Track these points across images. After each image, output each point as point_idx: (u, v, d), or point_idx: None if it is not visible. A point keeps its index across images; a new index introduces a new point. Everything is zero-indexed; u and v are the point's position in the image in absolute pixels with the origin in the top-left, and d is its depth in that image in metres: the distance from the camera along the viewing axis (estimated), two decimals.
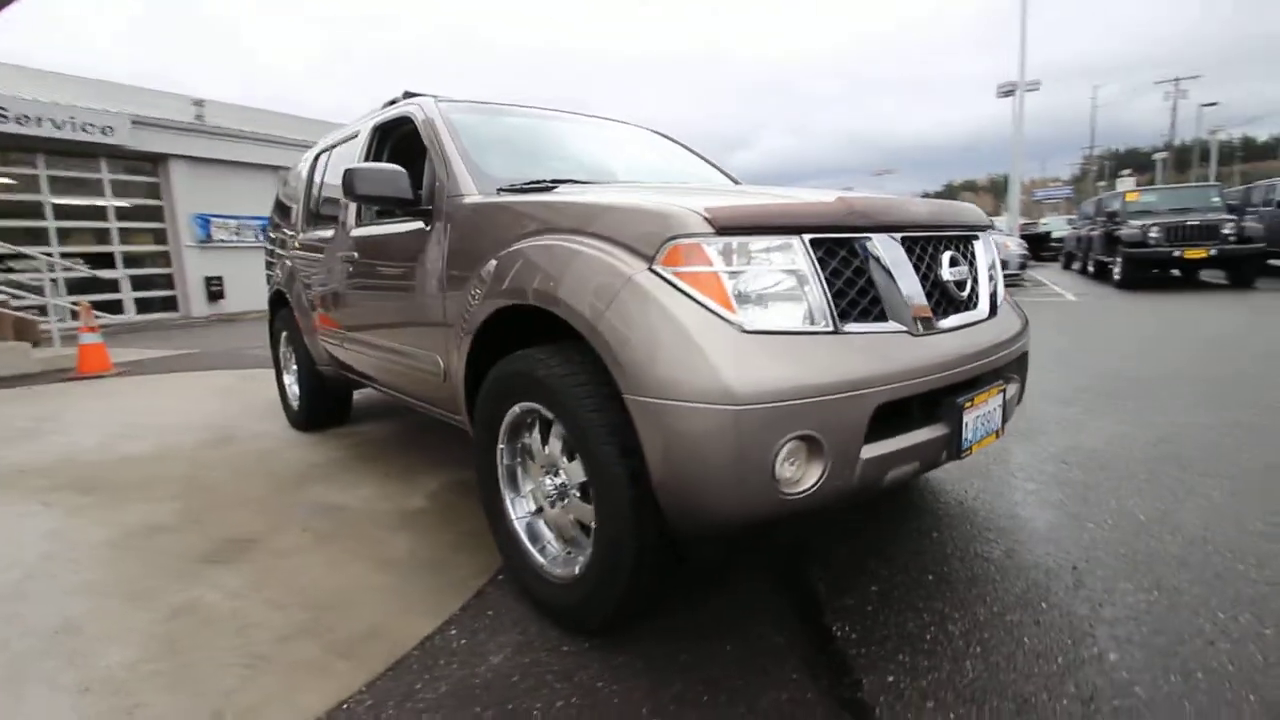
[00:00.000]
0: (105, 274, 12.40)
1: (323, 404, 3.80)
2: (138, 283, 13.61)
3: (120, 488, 3.05)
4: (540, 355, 1.66)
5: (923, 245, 1.69)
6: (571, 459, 1.69)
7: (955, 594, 1.87)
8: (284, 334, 4.03)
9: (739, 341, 1.35)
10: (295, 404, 4.00)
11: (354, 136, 3.17)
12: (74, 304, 8.26)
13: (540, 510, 1.87)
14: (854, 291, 1.52)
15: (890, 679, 1.52)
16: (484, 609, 1.91)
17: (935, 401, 1.61)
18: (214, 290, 14.89)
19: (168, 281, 14.43)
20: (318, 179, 3.59)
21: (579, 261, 1.55)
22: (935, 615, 1.76)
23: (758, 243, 1.43)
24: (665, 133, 3.53)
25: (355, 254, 2.83)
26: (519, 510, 1.93)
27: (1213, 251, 9.29)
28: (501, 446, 1.91)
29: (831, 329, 1.45)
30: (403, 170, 2.26)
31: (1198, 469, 2.71)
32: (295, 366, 3.93)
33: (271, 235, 4.37)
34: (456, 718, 1.45)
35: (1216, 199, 10.63)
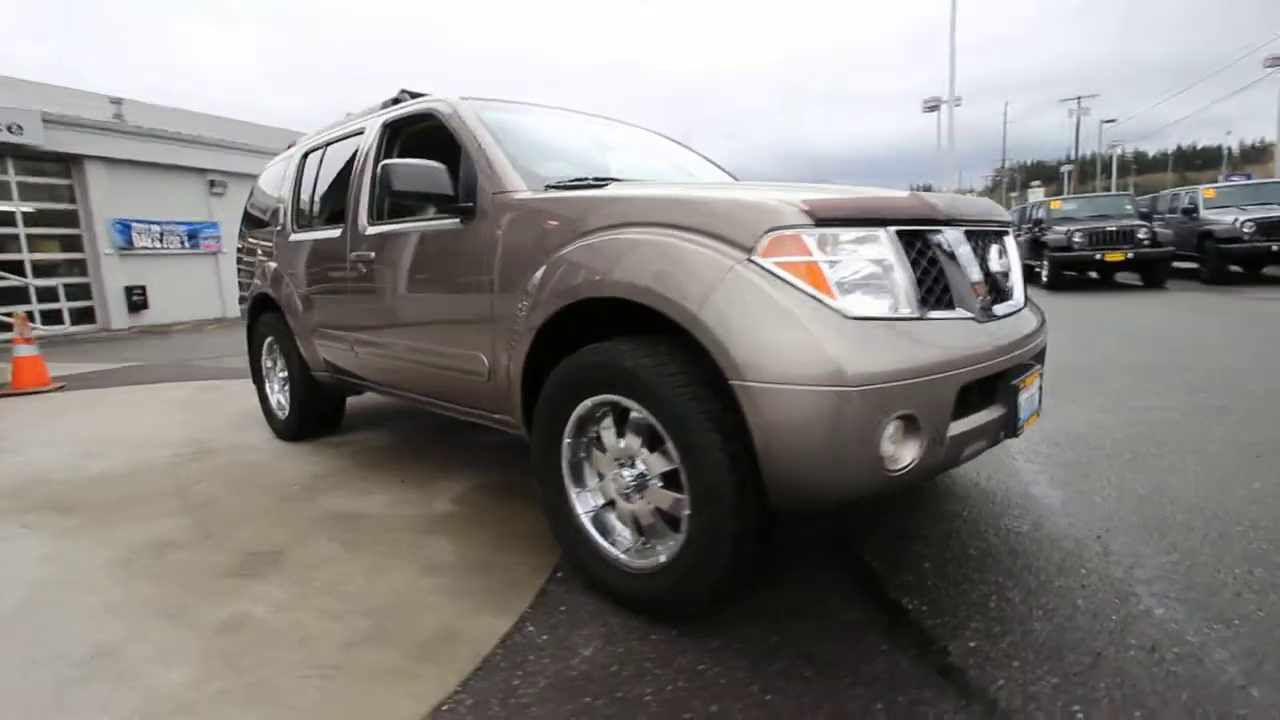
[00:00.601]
0: (14, 281, 11.41)
1: (316, 412, 3.64)
2: (48, 294, 12.55)
3: (106, 506, 2.83)
4: (624, 348, 1.68)
5: (976, 239, 1.81)
6: (652, 449, 1.72)
7: (1002, 566, 1.99)
8: (268, 340, 3.84)
9: (844, 327, 1.42)
10: (282, 413, 3.82)
11: (357, 134, 3.08)
12: (6, 314, 7.56)
13: (611, 503, 1.88)
14: (929, 281, 1.61)
15: (972, 644, 1.61)
16: (555, 605, 1.89)
17: (994, 384, 1.73)
18: (136, 300, 13.91)
19: (83, 291, 13.38)
20: (309, 177, 3.46)
21: (673, 254, 1.58)
22: (992, 585, 1.88)
23: (849, 234, 1.51)
24: (664, 134, 3.59)
25: (371, 253, 2.75)
26: (585, 504, 1.93)
27: (1130, 255, 10.14)
28: (567, 441, 1.91)
29: (918, 315, 1.54)
30: (442, 166, 2.22)
31: (1172, 447, 2.97)
32: (284, 374, 3.75)
33: (248, 239, 4.16)
34: (567, 709, 1.45)
35: (1129, 207, 11.61)
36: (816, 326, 1.41)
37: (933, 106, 28.98)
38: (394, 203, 2.77)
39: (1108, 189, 45.52)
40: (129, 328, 13.46)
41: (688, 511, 1.61)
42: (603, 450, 1.86)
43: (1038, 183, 53.71)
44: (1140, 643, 1.59)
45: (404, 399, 2.96)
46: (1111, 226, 10.33)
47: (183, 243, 15.22)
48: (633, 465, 1.78)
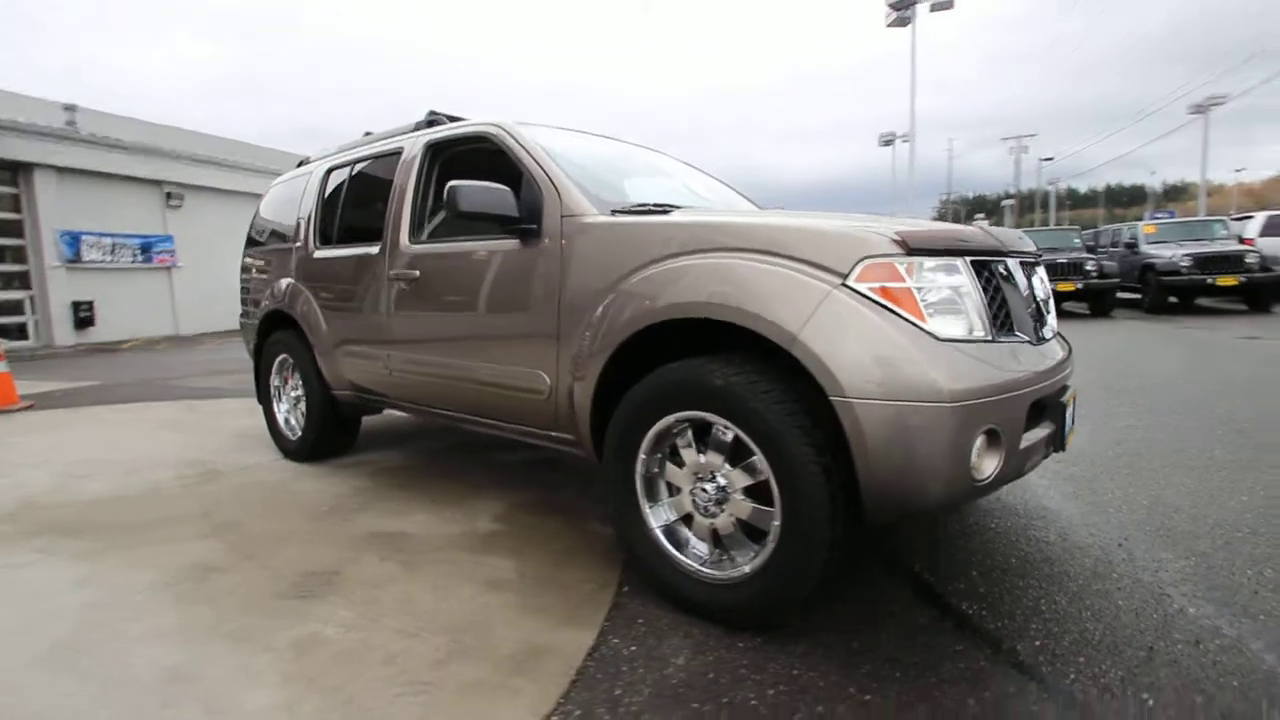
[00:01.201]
0: None
1: (333, 432, 3.59)
2: None
3: (121, 529, 2.73)
4: (713, 366, 1.77)
5: (1025, 269, 1.98)
6: (734, 464, 1.80)
7: (1041, 572, 2.14)
8: (279, 359, 3.76)
9: (936, 348, 1.55)
10: (293, 433, 3.74)
11: (392, 153, 3.10)
12: None
13: (687, 517, 1.95)
14: (995, 306, 1.76)
15: (1037, 643, 1.73)
16: (632, 618, 1.94)
17: (1043, 402, 1.88)
18: (83, 316, 13.23)
19: (18, 307, 12.63)
20: (335, 194, 3.45)
21: (768, 277, 1.68)
22: (1038, 590, 2.02)
23: (933, 262, 1.65)
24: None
25: (415, 271, 2.77)
26: (659, 518, 1.99)
27: (1079, 285, 10.82)
28: (642, 457, 1.97)
29: (990, 338, 1.68)
30: (507, 188, 2.29)
31: (1160, 463, 3.22)
32: (296, 393, 3.68)
33: (256, 257, 4.09)
34: (678, 715, 1.50)
35: (1077, 240, 12.40)
36: (913, 347, 1.53)
37: (888, 141, 30.47)
38: (444, 222, 2.81)
39: (1045, 223, 48.31)
40: (74, 345, 12.77)
41: (777, 522, 1.70)
42: (679, 465, 1.94)
43: (981, 215, 56.68)
44: (1184, 637, 1.74)
45: (438, 417, 2.96)
46: (1062, 259, 11.01)
47: (135, 257, 14.61)
48: (713, 479, 1.85)
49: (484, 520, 2.75)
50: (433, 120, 3.22)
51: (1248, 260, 10.47)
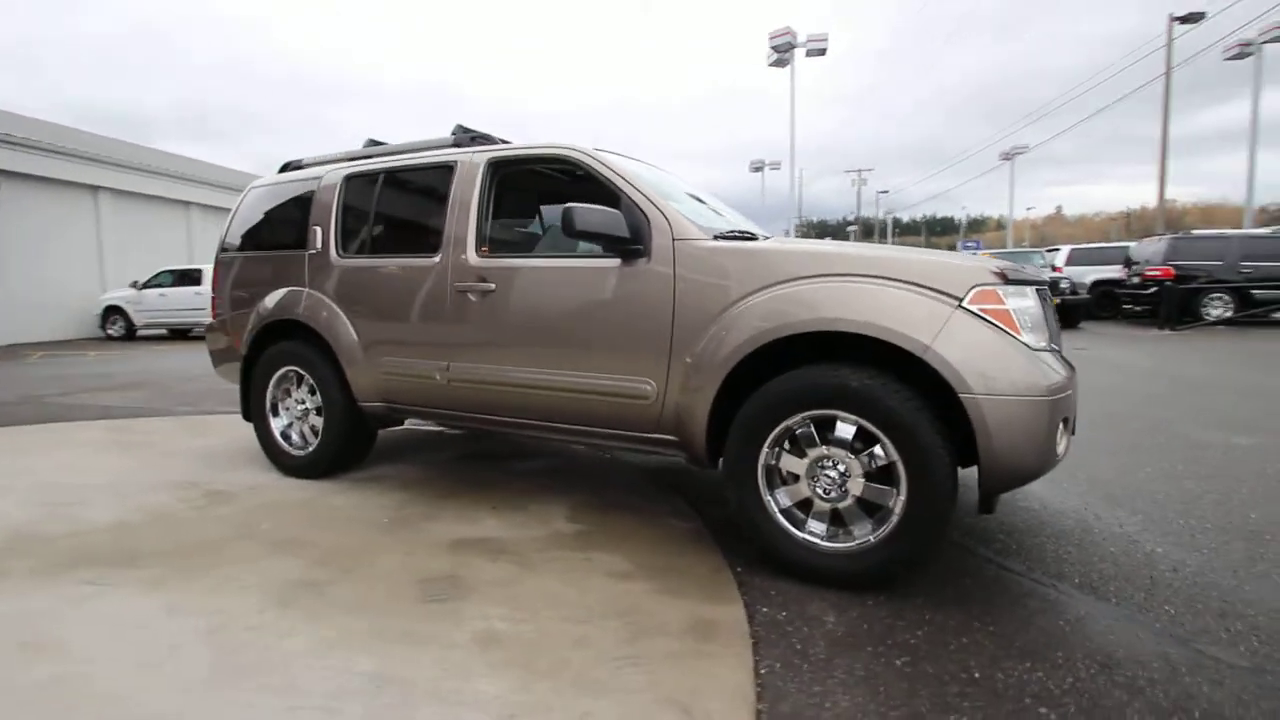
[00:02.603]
0: None
1: (354, 446, 3.48)
2: None
3: (170, 555, 2.53)
4: (845, 371, 2.13)
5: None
6: (855, 453, 2.17)
7: (1047, 532, 2.72)
8: (281, 371, 3.57)
9: (1031, 355, 2.02)
10: (296, 449, 3.56)
11: (440, 166, 3.14)
12: None
13: (806, 501, 2.28)
14: (1045, 324, 2.29)
15: (1077, 580, 2.27)
16: (764, 591, 2.23)
17: None
18: None
19: None
20: (366, 203, 3.38)
21: (899, 299, 2.08)
22: (1054, 545, 2.59)
23: (1017, 289, 2.13)
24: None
25: (489, 284, 2.85)
26: (780, 503, 2.31)
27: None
28: (765, 451, 2.28)
29: (1050, 348, 2.19)
30: (617, 211, 2.50)
31: (1079, 451, 4.05)
32: (305, 405, 3.52)
33: (243, 261, 3.83)
34: (863, 654, 1.82)
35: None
36: (1017, 354, 1.99)
37: (758, 167, 33.05)
38: (506, 237, 2.92)
39: None
40: None
41: (903, 498, 2.08)
42: (799, 455, 2.27)
43: (829, 239, 62.74)
44: (1166, 567, 2.36)
45: (497, 426, 3.03)
46: None
47: None
48: (834, 466, 2.21)
49: (559, 522, 2.89)
50: (474, 137, 3.31)
51: (1061, 285, 12.77)
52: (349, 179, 3.47)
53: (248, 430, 4.61)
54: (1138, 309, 13.56)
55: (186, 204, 19.80)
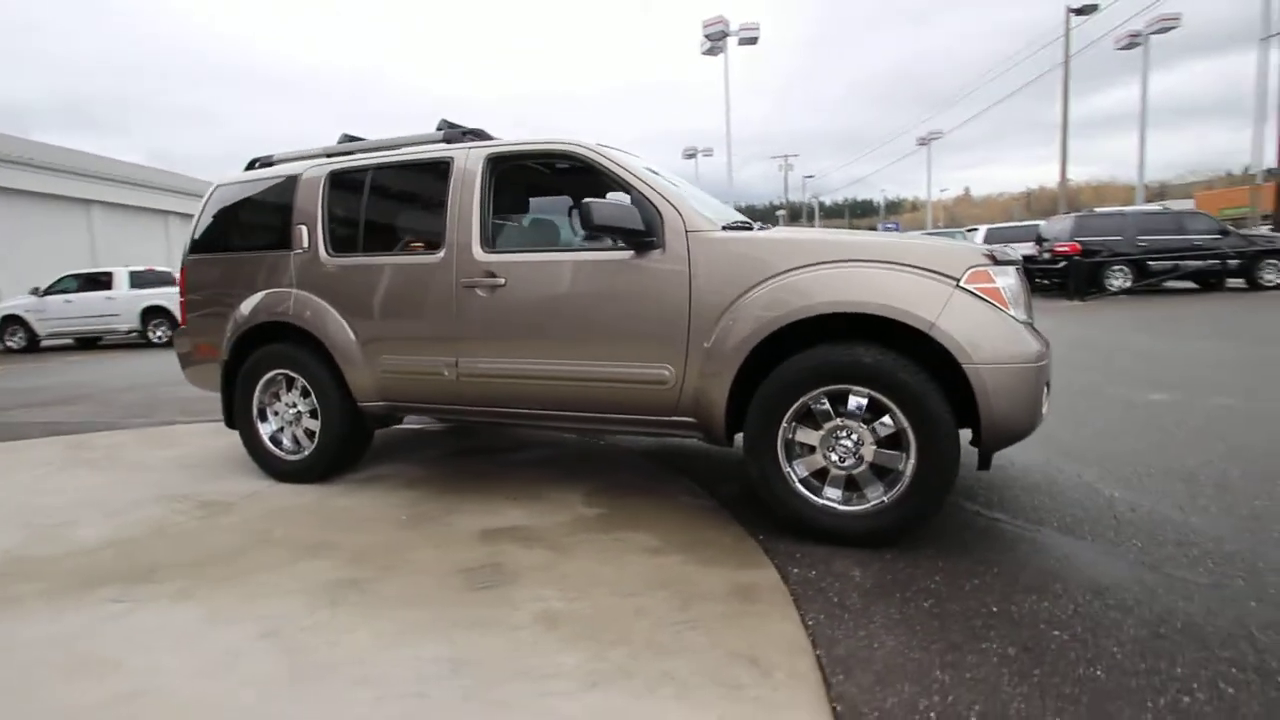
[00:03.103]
0: None
1: (352, 447, 3.44)
2: None
3: (188, 566, 2.48)
4: (859, 349, 2.32)
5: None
6: (868, 423, 2.38)
7: (1020, 485, 3.04)
8: (269, 375, 3.47)
9: (1019, 327, 2.27)
10: (288, 453, 3.49)
11: (437, 163, 3.14)
12: None
13: (822, 470, 2.47)
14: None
15: (1055, 524, 2.57)
16: (789, 554, 2.41)
17: None
18: None
19: None
20: (355, 201, 3.33)
21: (905, 282, 2.28)
22: (1028, 496, 2.90)
23: (1003, 269, 2.38)
24: None
25: (499, 279, 2.89)
26: (799, 472, 2.49)
27: None
28: (784, 425, 2.46)
29: (1029, 321, 2.46)
30: (632, 205, 2.61)
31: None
32: (298, 409, 3.45)
33: (216, 263, 3.68)
34: (896, 599, 2.04)
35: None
36: (1009, 327, 2.24)
37: (691, 154, 33.50)
38: (513, 232, 2.96)
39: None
40: None
41: (913, 461, 2.31)
42: (814, 428, 2.46)
43: (759, 224, 64.37)
44: (1125, 508, 2.70)
45: (510, 419, 3.09)
46: None
47: None
48: (848, 436, 2.41)
49: (579, 507, 2.99)
50: (467, 132, 3.32)
51: None
52: (334, 176, 3.40)
53: (219, 439, 4.50)
54: (1048, 283, 14.72)
55: (88, 203, 18.29)
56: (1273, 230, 16.50)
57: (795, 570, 2.30)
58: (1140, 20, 20.00)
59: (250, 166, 3.85)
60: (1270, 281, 12.93)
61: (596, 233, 2.64)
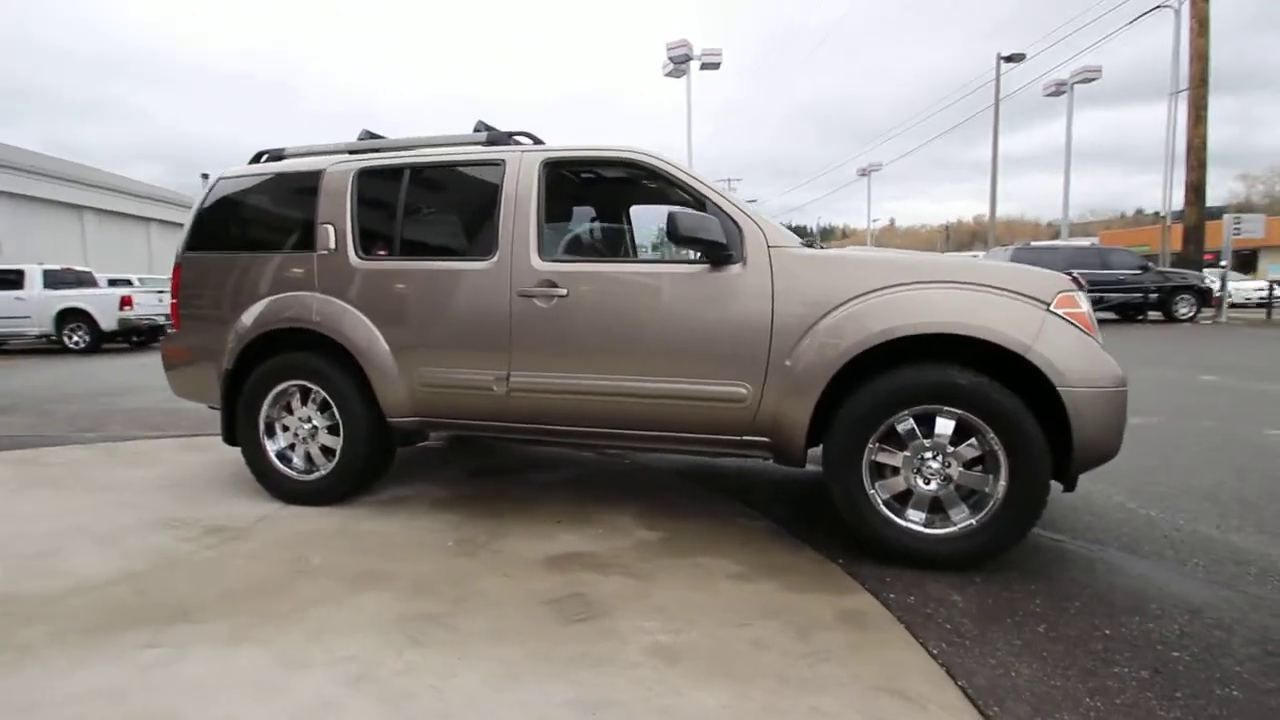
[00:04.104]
0: None
1: (375, 465, 3.18)
2: None
3: (224, 601, 2.19)
4: (952, 371, 2.32)
5: None
6: (955, 444, 2.37)
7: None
8: (281, 388, 3.17)
9: (1104, 351, 2.33)
10: (300, 472, 3.19)
11: (485, 165, 2.98)
12: None
13: (907, 491, 2.45)
14: None
15: (1078, 529, 2.64)
16: (879, 578, 2.36)
17: None
18: None
19: None
20: (391, 202, 3.10)
21: (997, 305, 2.31)
22: (1051, 503, 2.98)
23: (1082, 294, 2.44)
24: None
25: (561, 289, 2.74)
26: (883, 494, 2.46)
27: None
28: (871, 445, 2.43)
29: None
30: (716, 219, 2.54)
31: None
32: (314, 424, 3.15)
33: (220, 262, 3.35)
34: (1018, 616, 2.02)
35: None
36: (1099, 351, 2.29)
37: None
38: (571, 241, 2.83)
39: None
40: None
41: (1003, 484, 2.32)
42: (901, 449, 2.43)
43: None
44: (1143, 516, 2.82)
45: (560, 437, 2.93)
46: None
47: None
48: (935, 457, 2.40)
49: (637, 530, 2.85)
50: (511, 134, 3.18)
51: None
52: (363, 174, 3.17)
53: (192, 456, 4.12)
54: None
55: None
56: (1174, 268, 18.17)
57: (892, 596, 2.25)
58: (1065, 70, 21.91)
59: (256, 159, 3.54)
60: (1184, 314, 14.17)
61: (682, 244, 2.55)
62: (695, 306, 2.63)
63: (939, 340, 2.39)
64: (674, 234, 2.43)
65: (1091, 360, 2.28)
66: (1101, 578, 2.36)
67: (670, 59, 20.15)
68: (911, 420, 2.40)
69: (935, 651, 1.91)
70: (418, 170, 3.13)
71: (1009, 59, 22.05)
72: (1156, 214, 21.68)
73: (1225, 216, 14.31)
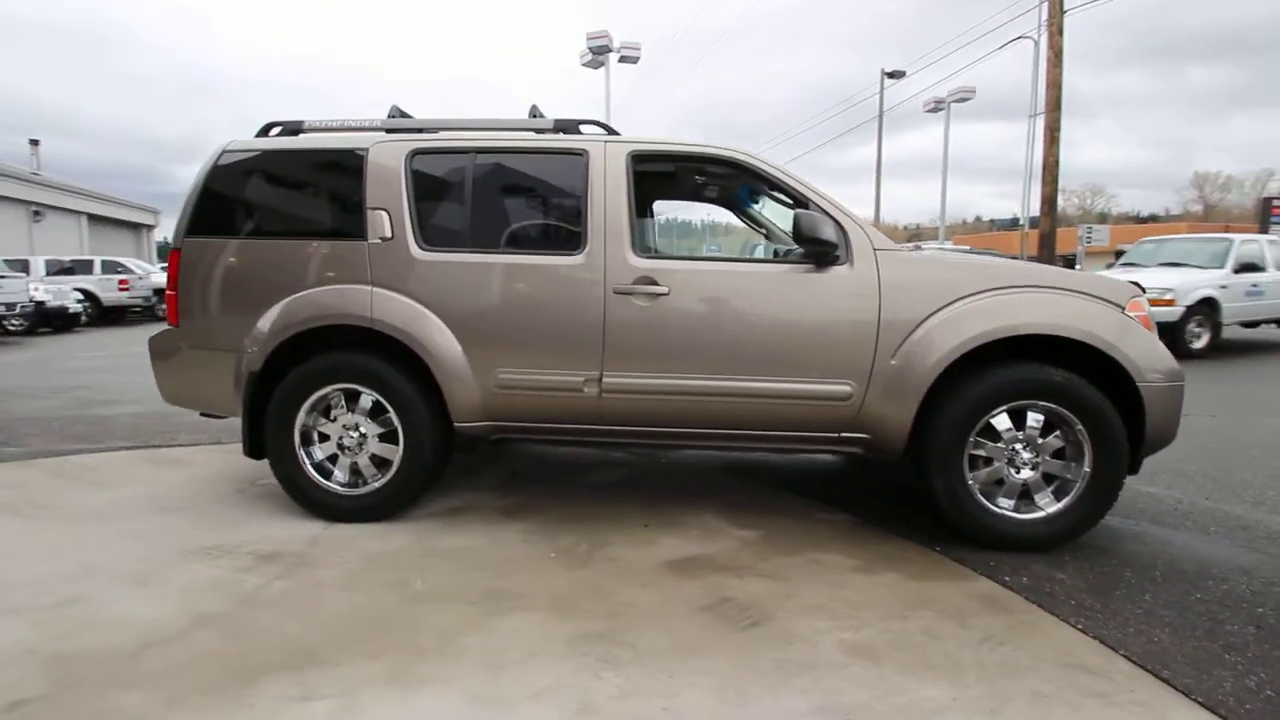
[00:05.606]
0: None
1: (438, 473, 2.91)
2: None
3: (338, 644, 1.94)
4: (1049, 369, 2.53)
5: None
6: (1045, 436, 2.60)
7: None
8: (322, 391, 2.80)
9: (1165, 348, 2.64)
10: (348, 486, 2.86)
11: (566, 153, 2.81)
12: None
13: (1000, 480, 2.64)
14: None
15: (1117, 520, 3.01)
16: (983, 563, 2.51)
17: None
18: None
19: None
20: (457, 188, 2.84)
21: (1090, 308, 2.54)
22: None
23: (1144, 299, 2.75)
24: None
25: (661, 287, 2.65)
26: (979, 484, 2.64)
27: None
28: (972, 440, 2.60)
29: None
30: (827, 220, 2.58)
31: None
32: (362, 432, 2.82)
33: (238, 248, 2.90)
34: (1128, 602, 2.24)
35: None
36: (1163, 349, 2.60)
37: None
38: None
39: None
40: None
41: (1087, 469, 2.56)
42: (993, 440, 2.62)
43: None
44: (1170, 506, 3.25)
45: (653, 440, 2.86)
46: None
47: None
48: (1027, 446, 2.61)
49: (733, 530, 2.84)
50: (582, 122, 3.03)
51: None
52: (419, 155, 2.88)
53: (169, 472, 3.62)
54: None
55: None
56: None
57: (1007, 578, 2.42)
58: (944, 88, 24.29)
59: (264, 132, 3.10)
60: None
61: (805, 244, 2.57)
62: (801, 306, 2.67)
63: (1016, 341, 2.59)
64: (799, 234, 2.45)
65: (1159, 357, 2.58)
66: (1154, 550, 2.68)
67: (590, 49, 19.90)
68: (1006, 415, 2.59)
69: (1081, 626, 2.09)
70: (483, 155, 2.89)
71: (891, 75, 24.07)
72: (992, 221, 24.52)
73: (1080, 227, 16.59)
